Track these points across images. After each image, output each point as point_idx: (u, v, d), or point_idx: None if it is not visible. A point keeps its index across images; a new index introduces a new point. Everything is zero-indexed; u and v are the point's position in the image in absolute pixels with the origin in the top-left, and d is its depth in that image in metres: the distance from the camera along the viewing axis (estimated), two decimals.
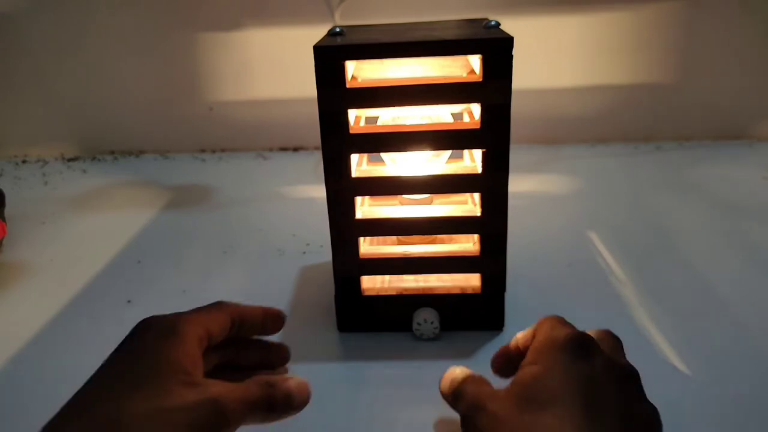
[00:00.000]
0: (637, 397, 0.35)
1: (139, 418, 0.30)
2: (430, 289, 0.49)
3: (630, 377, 0.35)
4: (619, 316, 0.52)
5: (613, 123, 0.93)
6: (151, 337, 0.35)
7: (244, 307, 0.39)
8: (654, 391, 0.38)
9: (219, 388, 0.32)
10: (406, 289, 0.50)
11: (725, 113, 0.92)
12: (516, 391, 0.35)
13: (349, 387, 0.42)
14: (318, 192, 0.79)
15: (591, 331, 0.38)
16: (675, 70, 0.90)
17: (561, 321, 0.38)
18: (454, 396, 0.37)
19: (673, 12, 0.87)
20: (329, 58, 0.41)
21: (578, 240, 0.65)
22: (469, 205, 0.54)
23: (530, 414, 0.33)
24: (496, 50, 0.41)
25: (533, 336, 0.38)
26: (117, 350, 0.35)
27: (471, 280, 0.50)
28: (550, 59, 0.90)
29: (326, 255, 0.50)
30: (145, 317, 0.36)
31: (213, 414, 0.32)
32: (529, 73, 0.87)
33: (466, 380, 0.37)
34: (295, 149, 0.97)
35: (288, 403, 0.34)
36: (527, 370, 0.35)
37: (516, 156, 0.45)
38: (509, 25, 0.45)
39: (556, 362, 0.35)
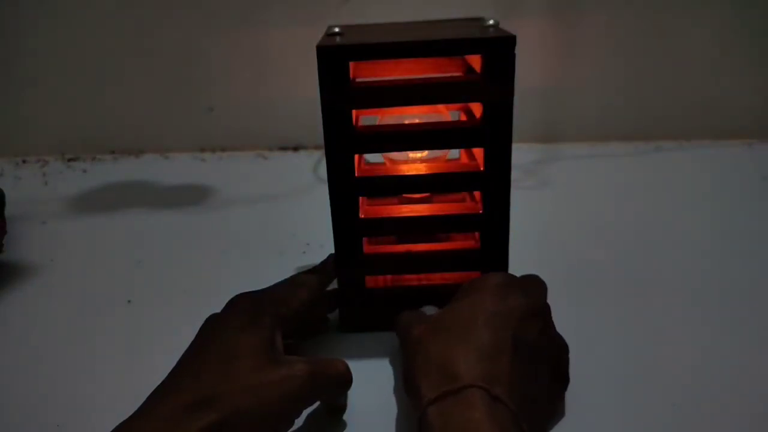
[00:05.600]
0: (541, 331, 0.39)
1: (233, 394, 0.33)
2: (433, 286, 0.49)
3: (539, 314, 0.40)
4: (619, 315, 0.52)
5: (612, 123, 0.93)
6: (238, 319, 0.39)
7: (322, 286, 0.46)
8: (656, 386, 0.38)
9: (302, 364, 0.36)
10: (408, 287, 0.50)
11: (725, 113, 0.92)
12: (435, 317, 0.40)
13: (352, 386, 0.42)
14: (318, 192, 0.79)
15: (522, 276, 0.44)
16: (675, 70, 0.90)
17: (500, 273, 0.43)
18: (395, 323, 0.43)
19: (673, 12, 0.87)
20: (332, 59, 0.41)
21: (577, 239, 0.65)
22: (469, 202, 0.54)
23: (435, 334, 0.38)
24: (499, 49, 0.41)
25: None
26: (205, 331, 0.39)
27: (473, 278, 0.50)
28: (549, 58, 0.90)
29: (326, 255, 0.50)
30: (233, 296, 0.41)
31: (301, 387, 0.36)
32: (528, 71, 0.87)
33: (406, 312, 0.44)
34: (295, 149, 0.97)
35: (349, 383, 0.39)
36: (450, 304, 0.41)
37: (516, 155, 0.45)
38: (507, 24, 0.45)
39: (474, 298, 0.40)
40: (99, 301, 0.57)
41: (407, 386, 0.38)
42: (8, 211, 0.64)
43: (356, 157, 0.45)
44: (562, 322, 0.43)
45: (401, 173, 0.47)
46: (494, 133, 0.43)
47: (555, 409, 0.40)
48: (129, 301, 0.57)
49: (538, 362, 0.38)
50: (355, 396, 0.41)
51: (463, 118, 0.51)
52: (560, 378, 0.41)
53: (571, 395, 0.42)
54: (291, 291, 0.43)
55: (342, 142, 0.44)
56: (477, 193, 0.50)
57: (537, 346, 0.38)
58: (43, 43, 0.93)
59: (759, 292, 0.54)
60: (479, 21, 0.47)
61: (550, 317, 0.42)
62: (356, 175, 0.45)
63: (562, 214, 0.71)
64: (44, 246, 0.68)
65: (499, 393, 0.34)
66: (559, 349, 0.41)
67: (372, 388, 0.43)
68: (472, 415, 0.32)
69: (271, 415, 0.34)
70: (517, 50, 0.41)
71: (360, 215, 0.47)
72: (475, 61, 0.46)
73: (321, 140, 0.44)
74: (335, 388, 0.39)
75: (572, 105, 0.93)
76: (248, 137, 0.97)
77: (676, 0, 0.86)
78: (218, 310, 0.41)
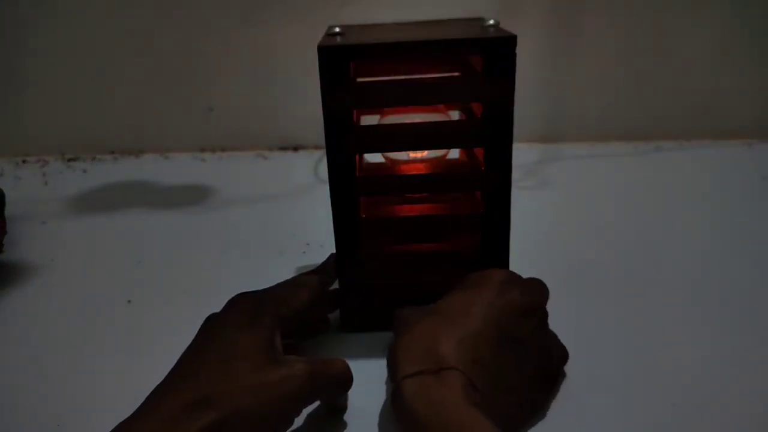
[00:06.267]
0: (535, 329, 0.40)
1: (232, 394, 0.33)
2: (434, 287, 0.49)
3: (535, 314, 0.40)
4: (619, 315, 0.52)
5: (612, 123, 0.93)
6: (237, 319, 0.38)
7: (323, 286, 0.46)
8: (656, 386, 0.38)
9: (302, 364, 0.36)
10: (409, 287, 0.50)
11: (725, 113, 0.92)
12: (431, 306, 0.41)
13: (353, 386, 0.42)
14: (318, 192, 0.79)
15: (526, 278, 0.43)
16: (675, 70, 0.90)
17: (503, 269, 0.44)
18: (393, 317, 0.43)
19: (673, 12, 0.87)
20: (333, 59, 0.41)
21: (578, 239, 0.65)
22: (469, 202, 0.54)
23: (426, 317, 0.39)
24: (499, 49, 0.41)
25: None
26: (205, 331, 0.39)
27: None
28: (549, 58, 0.90)
29: (326, 255, 0.50)
30: (233, 296, 0.41)
31: (301, 387, 0.35)
32: (528, 71, 0.87)
33: (403, 307, 0.43)
34: (295, 149, 0.97)
35: (349, 382, 0.39)
36: (448, 294, 0.41)
37: (516, 155, 0.45)
38: (507, 24, 0.45)
39: (473, 291, 0.40)
40: (99, 301, 0.57)
41: (389, 363, 0.38)
42: (8, 211, 0.64)
43: (357, 156, 0.45)
44: (562, 322, 0.43)
45: (402, 173, 0.47)
46: (494, 133, 0.43)
47: (537, 407, 0.40)
48: (129, 301, 0.57)
49: (527, 359, 0.38)
50: (355, 396, 0.41)
51: (463, 118, 0.51)
52: (549, 378, 0.41)
53: (570, 395, 0.42)
54: (292, 291, 0.43)
55: (342, 142, 0.44)
56: (477, 193, 0.50)
57: (528, 344, 0.38)
58: (43, 43, 0.93)
59: (759, 292, 0.54)
60: (479, 21, 0.47)
61: (546, 320, 0.42)
62: (357, 174, 0.45)
63: (562, 214, 0.71)
64: (44, 246, 0.68)
65: (475, 380, 0.34)
66: (551, 350, 0.41)
67: (372, 388, 0.43)
68: (447, 395, 0.33)
69: (270, 415, 0.34)
70: (517, 50, 0.41)
71: (361, 215, 0.47)
72: (476, 61, 0.46)
73: (321, 140, 0.44)
74: (335, 388, 0.39)
75: (572, 105, 0.93)
76: (248, 137, 0.97)
77: (676, 0, 0.86)
78: (218, 310, 0.41)
